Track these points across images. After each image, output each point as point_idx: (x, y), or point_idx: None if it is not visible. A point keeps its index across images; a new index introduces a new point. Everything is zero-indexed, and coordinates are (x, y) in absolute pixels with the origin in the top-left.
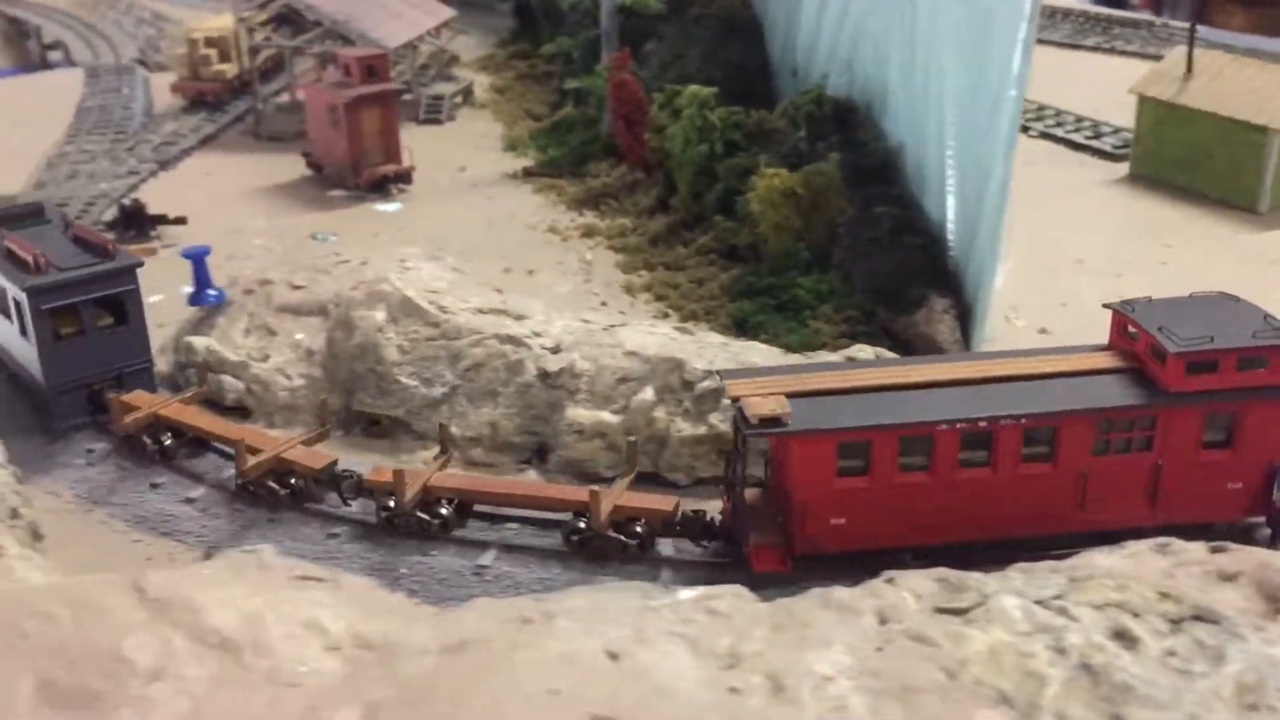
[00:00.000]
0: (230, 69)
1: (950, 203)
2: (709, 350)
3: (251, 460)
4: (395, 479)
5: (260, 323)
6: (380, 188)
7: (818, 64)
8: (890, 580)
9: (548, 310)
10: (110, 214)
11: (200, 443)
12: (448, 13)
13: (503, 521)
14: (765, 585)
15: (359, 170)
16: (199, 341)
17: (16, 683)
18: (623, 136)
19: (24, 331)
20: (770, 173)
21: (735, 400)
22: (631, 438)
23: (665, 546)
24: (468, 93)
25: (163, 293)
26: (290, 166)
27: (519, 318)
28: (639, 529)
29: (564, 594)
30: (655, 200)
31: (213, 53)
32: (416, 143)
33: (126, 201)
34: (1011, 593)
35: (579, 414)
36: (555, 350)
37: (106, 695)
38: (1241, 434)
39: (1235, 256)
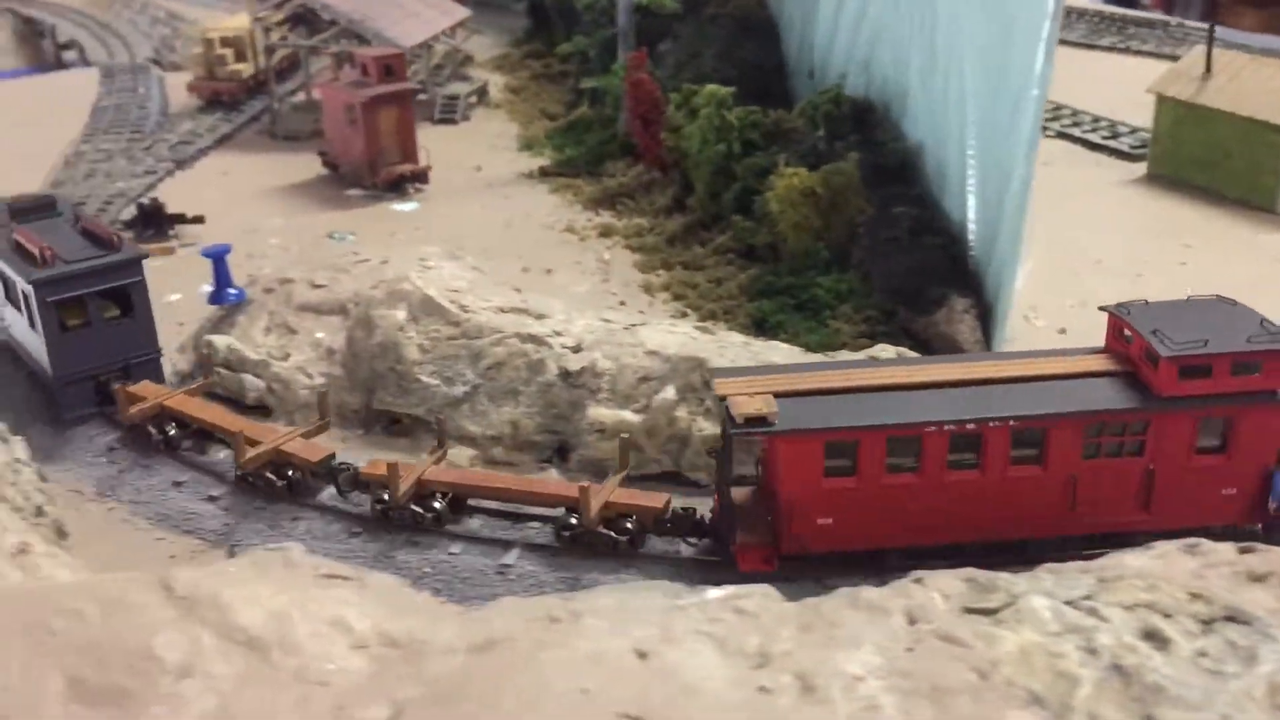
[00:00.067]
0: (246, 69)
1: (971, 202)
2: (730, 350)
3: (250, 452)
4: (389, 472)
5: (280, 321)
6: (397, 187)
7: (835, 64)
8: (919, 580)
9: (568, 309)
10: (128, 213)
11: (204, 434)
12: (463, 12)
13: (525, 520)
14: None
15: (376, 169)
16: (220, 340)
17: (46, 680)
18: (639, 136)
19: (32, 323)
20: (789, 172)
21: (723, 399)
22: (624, 435)
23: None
24: (483, 92)
25: (181, 291)
26: (306, 166)
27: (540, 317)
28: (629, 525)
29: (591, 593)
30: (672, 200)
31: (228, 52)
32: (432, 142)
33: (145, 201)
34: (1041, 593)
35: (600, 413)
36: (576, 349)
37: (136, 693)
38: (1236, 439)
39: (1255, 256)
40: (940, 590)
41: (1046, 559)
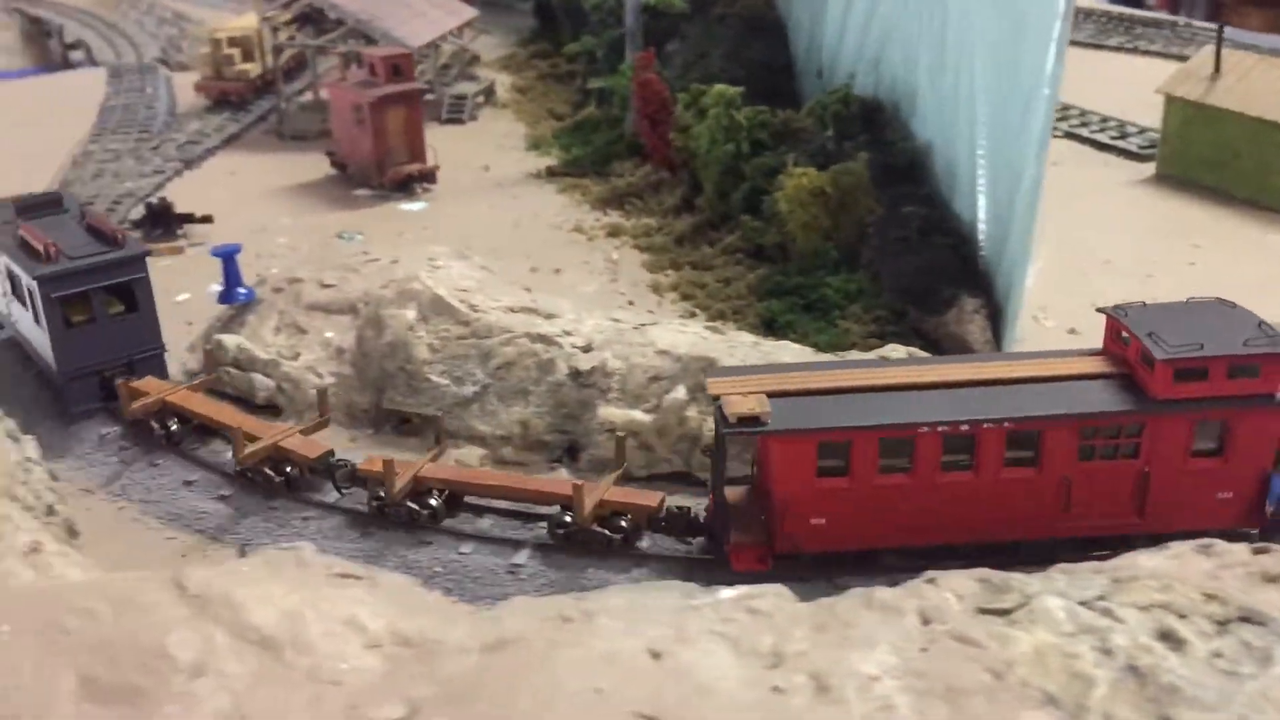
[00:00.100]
0: (253, 68)
1: (981, 202)
2: (740, 349)
3: (249, 447)
4: (385, 469)
5: (290, 321)
6: (405, 187)
7: (843, 64)
8: (932, 581)
9: (578, 309)
10: (137, 213)
11: (206, 429)
12: (470, 12)
13: (537, 520)
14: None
15: (384, 169)
16: (229, 339)
17: (58, 679)
18: (647, 136)
19: (37, 319)
20: (799, 172)
21: (716, 399)
22: (620, 433)
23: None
24: (490, 92)
25: (190, 291)
26: (314, 166)
27: (549, 316)
28: (623, 524)
29: (603, 593)
30: (680, 200)
31: (236, 52)
32: (439, 142)
33: (153, 200)
34: (1055, 593)
35: (611, 413)
36: (586, 349)
37: (150, 691)
38: (1232, 443)
39: (1264, 257)
40: (954, 590)
41: (1041, 561)
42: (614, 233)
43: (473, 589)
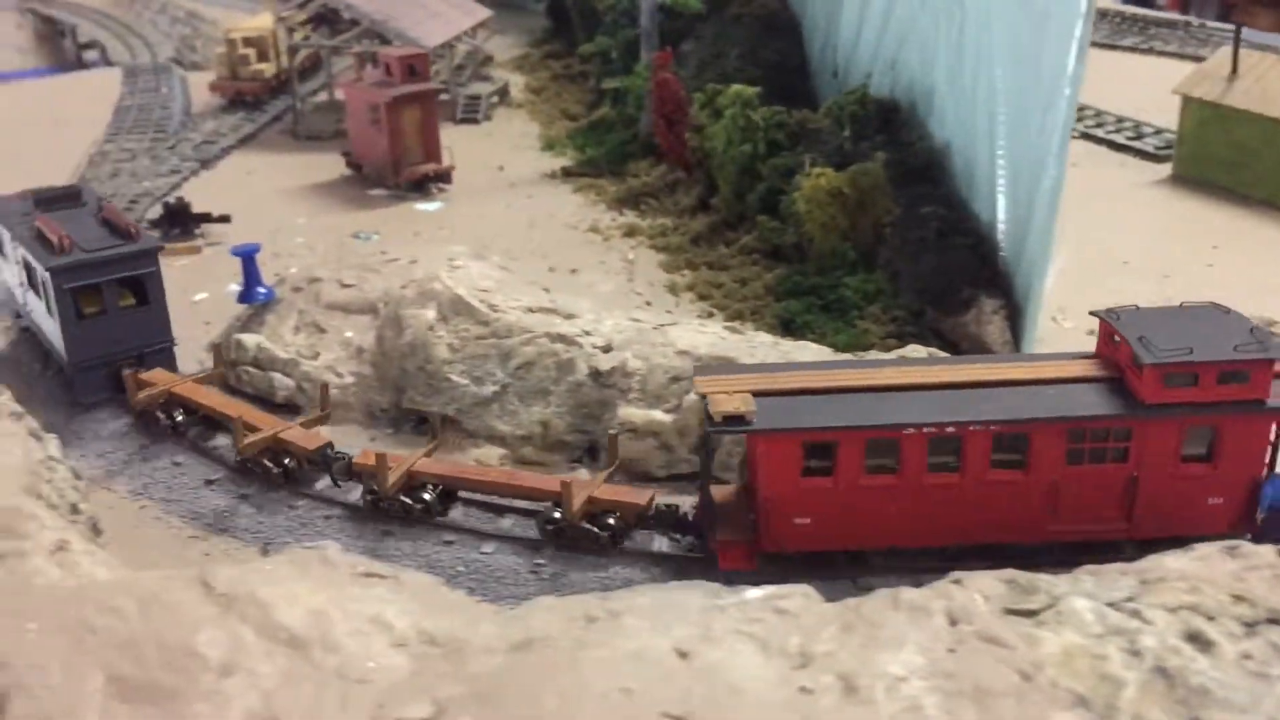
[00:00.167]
0: (268, 68)
1: (1001, 203)
2: (760, 350)
3: (248, 438)
4: (378, 463)
5: (309, 320)
6: (420, 187)
7: (860, 64)
8: (958, 581)
9: (597, 309)
10: (154, 212)
11: (210, 421)
12: (484, 12)
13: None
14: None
15: (399, 169)
16: (249, 339)
17: (86, 678)
18: (663, 136)
19: (50, 309)
20: (817, 172)
21: (703, 397)
22: (613, 431)
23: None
24: (504, 92)
25: (208, 290)
26: (329, 165)
27: (569, 316)
28: (612, 521)
29: (629, 592)
30: (696, 200)
31: (251, 52)
32: (454, 142)
33: (171, 200)
34: (1082, 595)
35: (631, 413)
36: (607, 349)
37: (179, 690)
38: (1223, 448)
39: None
40: (981, 591)
41: (1035, 563)
42: (630, 233)
43: (495, 588)
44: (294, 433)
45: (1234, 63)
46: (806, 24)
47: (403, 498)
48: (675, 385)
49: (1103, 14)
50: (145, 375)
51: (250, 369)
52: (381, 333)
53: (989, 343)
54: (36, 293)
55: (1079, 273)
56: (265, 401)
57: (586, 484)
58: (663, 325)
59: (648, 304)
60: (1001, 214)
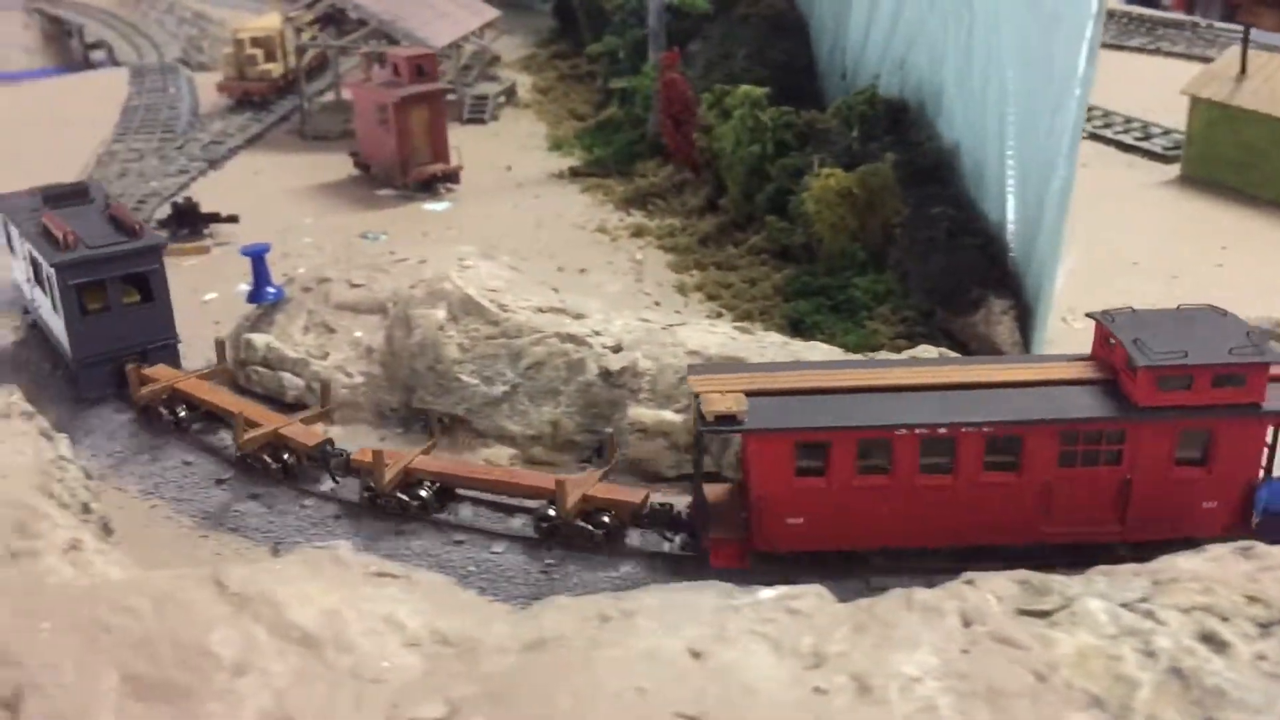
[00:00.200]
0: (276, 69)
1: (1010, 203)
2: (770, 350)
3: (249, 434)
4: (375, 460)
5: (319, 320)
6: (428, 187)
7: (868, 65)
8: (970, 582)
9: (606, 309)
10: (163, 212)
11: (212, 416)
12: (492, 13)
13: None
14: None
15: (407, 169)
16: (259, 338)
17: (101, 677)
18: (670, 136)
19: (55, 305)
20: (826, 172)
21: (696, 396)
22: (609, 429)
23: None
24: (511, 93)
25: (217, 290)
26: (337, 166)
27: (578, 316)
28: (606, 519)
29: (641, 592)
30: (704, 200)
31: (259, 52)
32: (461, 143)
33: (179, 200)
34: (1096, 595)
35: (641, 413)
36: (616, 349)
37: (193, 689)
38: (1217, 452)
39: None
40: (994, 592)
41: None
42: (638, 233)
43: (506, 588)
44: (294, 429)
45: (1243, 63)
46: (814, 25)
47: (400, 494)
48: (685, 385)
49: (1110, 14)
50: (148, 371)
51: (260, 368)
52: (391, 333)
53: (998, 343)
54: (43, 289)
55: (1088, 273)
56: (275, 401)
57: (581, 482)
58: (672, 325)
59: (656, 304)
60: (1011, 214)
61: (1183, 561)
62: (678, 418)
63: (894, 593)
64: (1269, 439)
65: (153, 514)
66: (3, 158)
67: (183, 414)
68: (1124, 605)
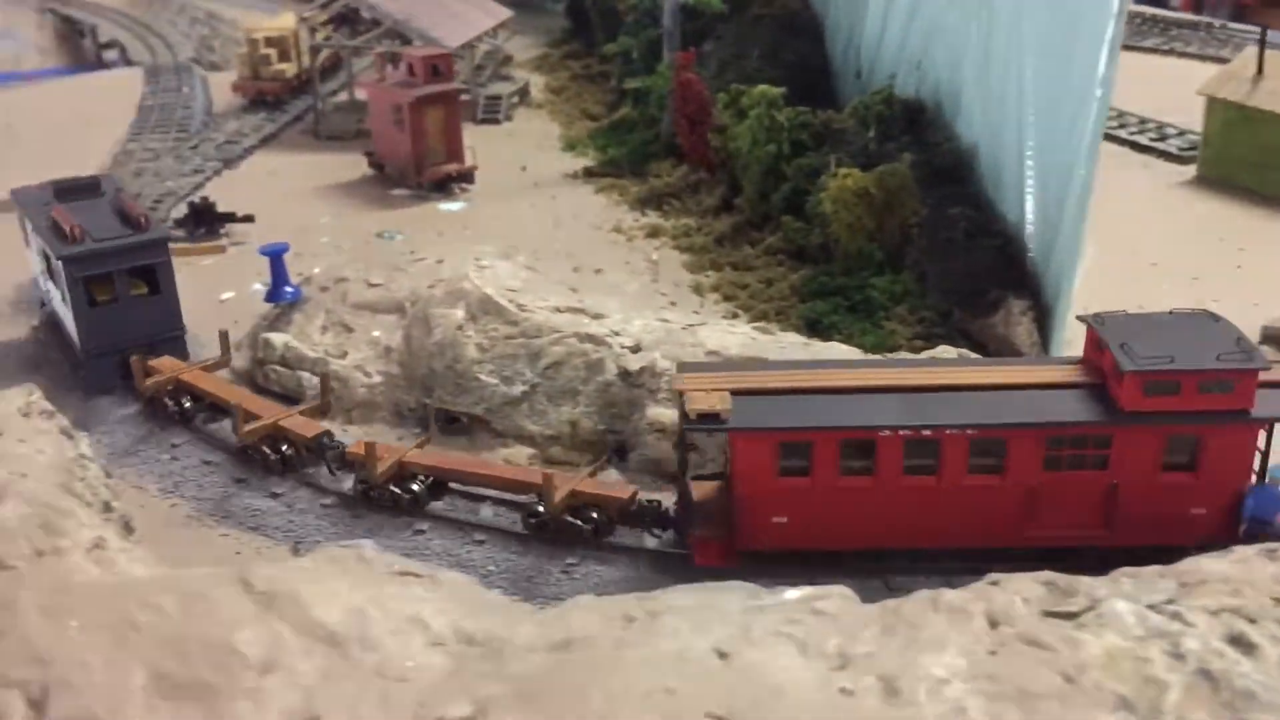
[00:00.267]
0: (290, 68)
1: (1030, 204)
2: (790, 350)
3: (248, 425)
4: (367, 452)
5: (337, 320)
6: (443, 187)
7: (884, 65)
8: (996, 583)
9: (625, 309)
10: (179, 211)
11: (216, 408)
12: (505, 13)
13: None
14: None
15: (422, 169)
16: (277, 337)
17: (129, 674)
18: (685, 136)
19: (64, 298)
20: (843, 173)
21: (681, 394)
22: (602, 426)
23: None
24: (524, 93)
25: (234, 290)
26: (351, 165)
27: (597, 316)
28: (594, 515)
29: (667, 592)
30: (719, 200)
31: (273, 52)
32: (475, 142)
33: (196, 199)
34: (1122, 597)
35: (660, 413)
36: (635, 349)
37: (220, 687)
38: (1205, 458)
39: None
40: (1020, 593)
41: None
42: (653, 233)
43: (527, 588)
44: (293, 421)
45: (1260, 64)
46: (829, 24)
47: (392, 488)
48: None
49: None
50: (153, 362)
51: (278, 367)
52: (409, 332)
53: (1017, 344)
54: (54, 281)
55: (1108, 274)
56: (293, 400)
57: (570, 478)
58: (691, 325)
59: (673, 304)
60: (1030, 215)
61: (1209, 563)
62: None
63: (920, 594)
64: (1258, 445)
65: (172, 513)
66: (20, 157)
67: (187, 405)
68: (1151, 607)
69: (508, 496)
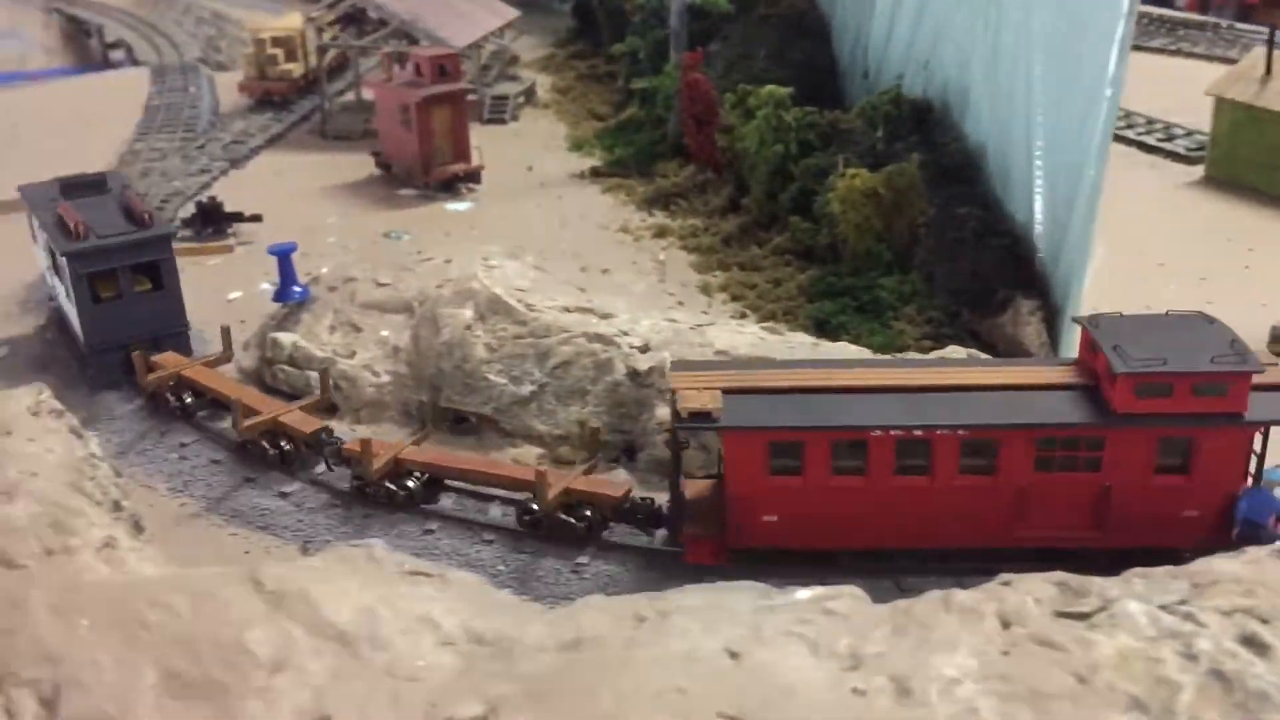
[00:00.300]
0: (296, 68)
1: (1039, 203)
2: (799, 350)
3: (248, 420)
4: (363, 449)
5: (345, 319)
6: (450, 187)
7: (891, 65)
8: (1007, 583)
9: (633, 309)
10: (186, 211)
11: (217, 403)
12: (512, 13)
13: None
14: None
15: (429, 169)
16: (285, 337)
17: (140, 673)
18: (692, 136)
19: (69, 294)
20: (851, 173)
21: (673, 392)
22: (595, 424)
23: None
24: (530, 93)
25: (242, 289)
26: (358, 165)
27: (605, 316)
28: (587, 513)
29: (677, 592)
30: (727, 200)
31: (279, 52)
32: (482, 142)
33: (203, 199)
34: (1135, 597)
35: (669, 413)
36: (644, 349)
37: (231, 686)
38: (1198, 461)
39: None
40: (1031, 594)
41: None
42: (660, 233)
43: (536, 588)
44: (293, 416)
45: (1268, 64)
46: (836, 25)
47: (388, 484)
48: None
49: None
50: (155, 358)
51: (286, 367)
52: (417, 332)
53: (1026, 344)
54: (59, 277)
55: (1116, 275)
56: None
57: (563, 475)
58: (700, 325)
59: (680, 304)
60: (1039, 215)
61: (1221, 564)
62: None
63: (931, 594)
64: (1252, 448)
65: (181, 512)
66: (28, 156)
67: (188, 400)
68: (1163, 607)
69: (504, 494)
